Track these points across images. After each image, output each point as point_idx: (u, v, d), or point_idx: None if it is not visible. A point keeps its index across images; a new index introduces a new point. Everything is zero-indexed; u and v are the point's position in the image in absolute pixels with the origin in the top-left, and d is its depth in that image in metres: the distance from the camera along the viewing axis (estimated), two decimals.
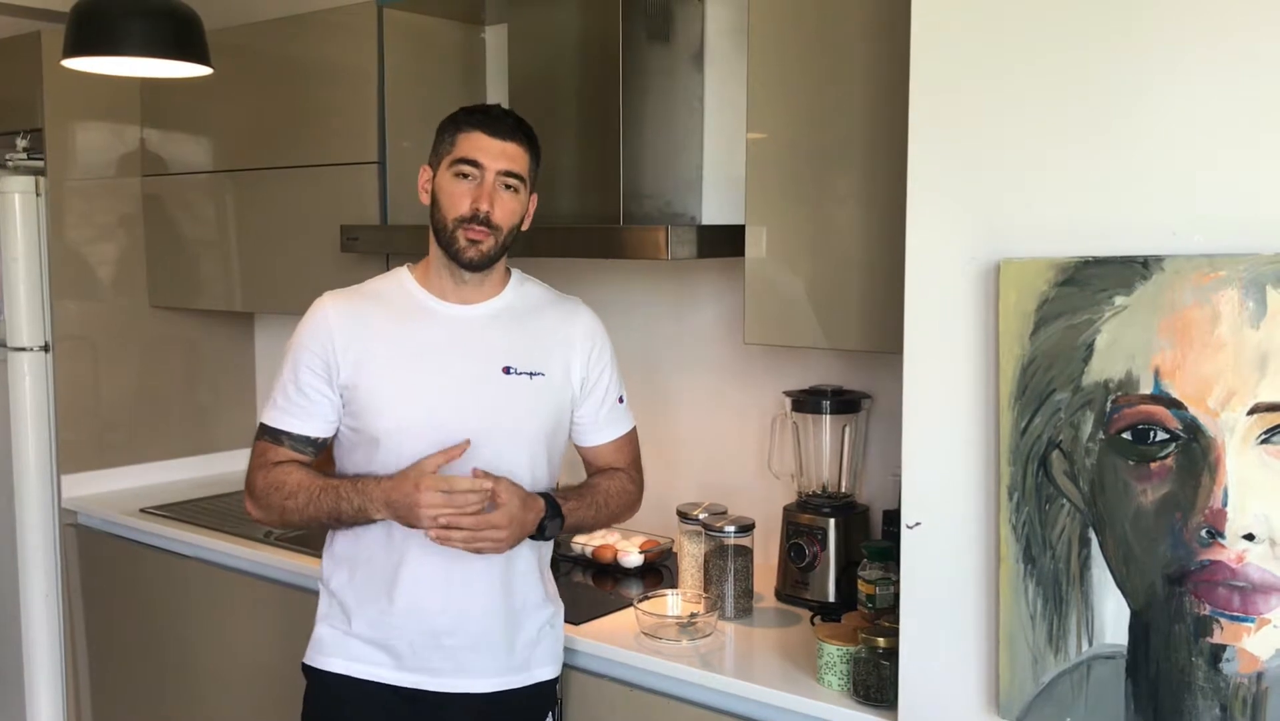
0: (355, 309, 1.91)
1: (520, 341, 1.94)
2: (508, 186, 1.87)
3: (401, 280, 1.95)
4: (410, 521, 1.80)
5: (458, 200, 1.85)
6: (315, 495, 1.86)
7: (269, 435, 1.92)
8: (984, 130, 1.57)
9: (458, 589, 1.89)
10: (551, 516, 1.90)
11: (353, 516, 1.85)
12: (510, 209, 1.88)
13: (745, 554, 2.23)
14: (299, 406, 1.90)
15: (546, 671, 2.00)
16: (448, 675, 1.91)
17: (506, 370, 1.91)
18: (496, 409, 1.90)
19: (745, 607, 2.23)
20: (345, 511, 1.84)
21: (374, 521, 1.86)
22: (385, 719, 1.93)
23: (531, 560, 1.98)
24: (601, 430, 2.04)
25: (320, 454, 1.95)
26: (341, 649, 1.93)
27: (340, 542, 1.95)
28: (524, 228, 1.95)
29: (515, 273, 2.01)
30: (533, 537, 1.90)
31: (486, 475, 1.81)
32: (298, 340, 1.91)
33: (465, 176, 1.84)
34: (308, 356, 1.89)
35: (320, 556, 2.01)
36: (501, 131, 1.86)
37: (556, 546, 2.62)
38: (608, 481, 2.04)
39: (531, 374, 1.93)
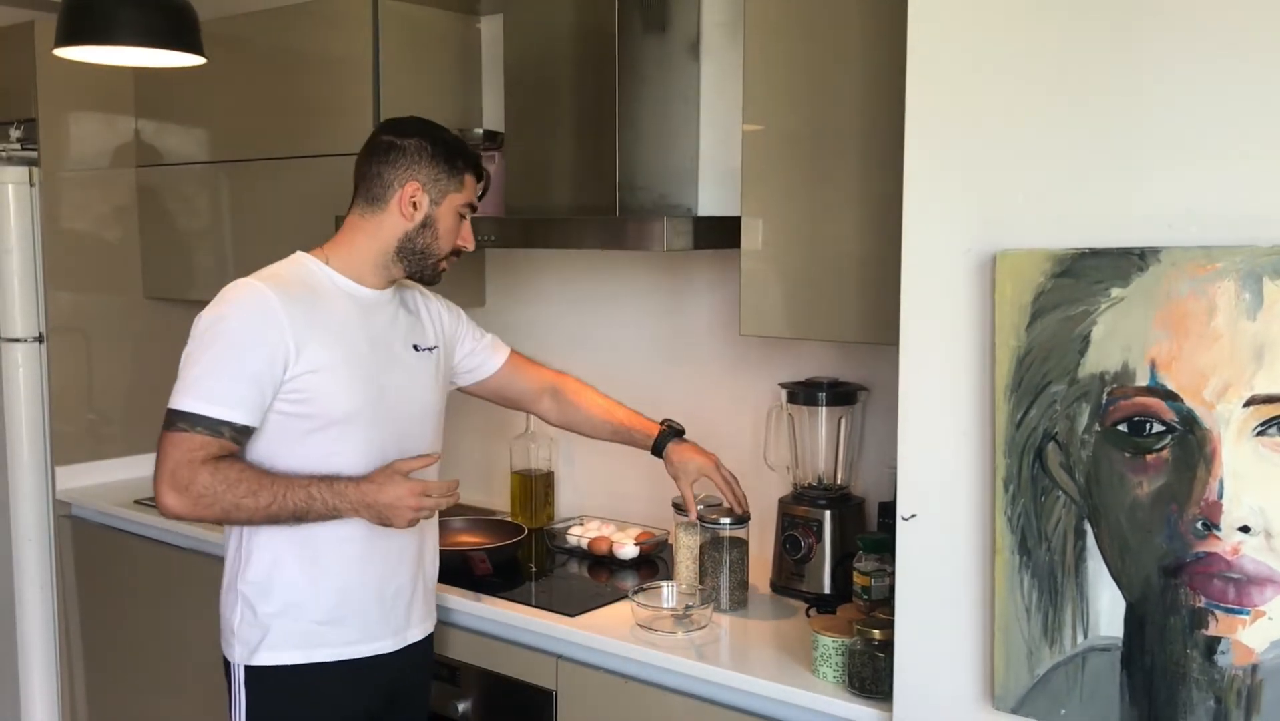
0: (295, 296, 1.89)
1: (411, 320, 2.07)
2: None
3: (315, 267, 1.97)
4: (387, 521, 1.89)
5: (452, 237, 2.01)
6: (281, 494, 1.84)
7: (205, 426, 1.83)
8: (981, 122, 1.56)
9: (386, 544, 1.98)
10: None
11: (319, 515, 1.88)
12: None
13: (740, 546, 2.23)
14: (246, 398, 1.84)
15: (431, 624, 2.14)
16: (391, 635, 2.02)
17: (415, 348, 2.05)
18: (416, 385, 2.03)
19: (740, 599, 2.23)
20: (315, 510, 1.87)
21: (337, 519, 1.91)
22: (342, 693, 1.99)
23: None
24: (492, 355, 2.26)
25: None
26: (290, 639, 1.96)
27: (261, 536, 1.94)
28: None
29: None
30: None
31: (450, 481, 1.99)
32: (241, 328, 1.85)
33: (464, 217, 2.02)
34: (257, 345, 1.84)
35: None
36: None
37: (551, 538, 2.64)
38: (595, 396, 2.33)
39: (431, 349, 2.09)
